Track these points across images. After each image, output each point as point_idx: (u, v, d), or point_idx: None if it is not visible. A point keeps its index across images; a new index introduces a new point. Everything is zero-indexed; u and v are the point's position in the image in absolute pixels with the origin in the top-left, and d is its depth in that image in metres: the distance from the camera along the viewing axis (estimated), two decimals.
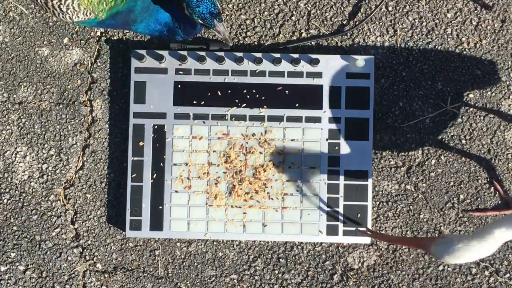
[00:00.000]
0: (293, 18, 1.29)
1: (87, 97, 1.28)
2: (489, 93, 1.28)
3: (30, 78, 1.28)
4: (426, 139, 1.27)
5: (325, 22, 1.29)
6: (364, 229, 1.23)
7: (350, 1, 1.28)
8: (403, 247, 1.27)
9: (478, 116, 1.28)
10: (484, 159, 1.27)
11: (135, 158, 1.24)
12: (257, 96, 1.25)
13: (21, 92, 1.28)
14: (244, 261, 1.27)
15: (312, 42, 1.28)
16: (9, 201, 1.28)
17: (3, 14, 1.29)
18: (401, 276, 1.27)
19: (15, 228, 1.28)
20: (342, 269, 1.27)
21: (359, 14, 1.28)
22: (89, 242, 1.28)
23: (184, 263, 1.27)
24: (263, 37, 1.28)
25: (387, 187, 1.27)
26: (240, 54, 1.24)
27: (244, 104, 1.24)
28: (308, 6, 1.28)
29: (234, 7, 1.29)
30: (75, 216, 1.28)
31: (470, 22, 1.28)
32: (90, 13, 1.04)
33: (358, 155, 1.24)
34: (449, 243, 0.99)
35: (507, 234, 0.97)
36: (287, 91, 1.25)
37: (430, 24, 1.28)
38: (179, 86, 1.25)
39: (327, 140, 1.24)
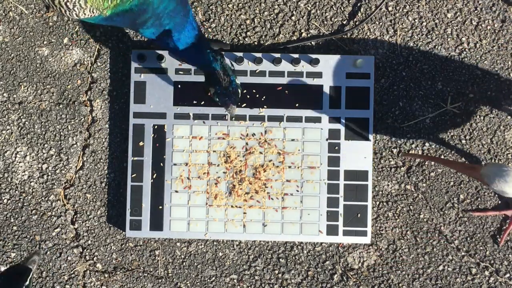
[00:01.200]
0: (293, 18, 1.29)
1: (87, 97, 1.28)
2: (489, 93, 1.28)
3: (30, 78, 1.28)
4: (426, 139, 1.27)
5: (325, 22, 1.29)
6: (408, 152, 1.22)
7: (350, 1, 1.28)
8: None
9: (478, 116, 1.28)
10: (484, 159, 1.27)
11: (135, 158, 1.24)
12: (257, 96, 1.25)
13: (21, 92, 1.28)
14: (244, 261, 1.27)
15: (312, 42, 1.28)
16: (9, 201, 1.28)
17: (3, 14, 1.29)
18: (401, 276, 1.27)
19: (15, 228, 1.28)
20: (342, 269, 1.27)
21: (359, 14, 1.28)
22: (89, 242, 1.28)
23: (184, 263, 1.27)
24: (263, 37, 1.29)
25: (387, 187, 1.27)
26: (240, 54, 1.24)
27: (244, 104, 1.24)
28: (308, 6, 1.28)
29: (234, 7, 1.29)
30: (75, 216, 1.28)
31: (470, 22, 1.28)
32: (95, 11, 1.03)
33: (358, 155, 1.24)
34: (502, 166, 0.95)
35: None
36: (287, 91, 1.25)
37: (430, 24, 1.28)
38: (179, 86, 1.25)
39: (327, 140, 1.24)
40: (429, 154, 1.24)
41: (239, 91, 1.13)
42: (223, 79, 1.10)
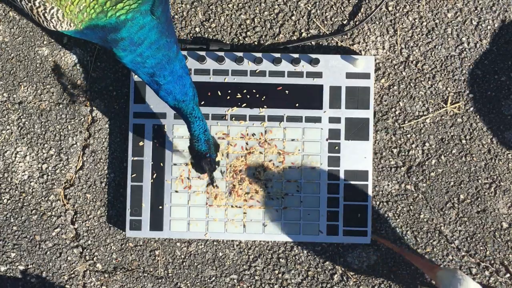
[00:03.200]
0: (293, 18, 1.29)
1: (87, 96, 1.28)
2: (489, 93, 1.28)
3: (30, 78, 1.28)
4: (426, 139, 1.27)
5: (325, 22, 1.29)
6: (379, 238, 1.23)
7: (350, 1, 1.28)
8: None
9: (478, 116, 1.28)
10: (484, 159, 1.27)
11: (135, 158, 1.24)
12: (257, 96, 1.25)
13: (21, 92, 1.28)
14: (244, 261, 1.27)
15: (312, 42, 1.28)
16: (9, 201, 1.28)
17: (3, 14, 1.29)
18: (401, 276, 1.27)
19: (15, 228, 1.28)
20: (342, 269, 1.27)
21: (359, 14, 1.28)
22: (89, 242, 1.28)
23: (184, 263, 1.27)
24: (263, 37, 1.28)
25: (387, 187, 1.27)
26: (240, 54, 1.24)
27: (244, 104, 1.24)
28: (308, 6, 1.28)
29: (234, 7, 1.29)
30: (75, 216, 1.28)
31: (470, 22, 1.28)
32: (72, 24, 1.03)
33: (358, 155, 1.24)
34: (456, 273, 0.99)
35: None
36: (287, 91, 1.25)
37: (430, 24, 1.28)
38: None
39: (327, 140, 1.24)
40: (399, 245, 1.25)
41: (215, 167, 1.14)
42: (200, 156, 1.11)
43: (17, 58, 1.29)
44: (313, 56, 1.24)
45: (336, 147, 1.24)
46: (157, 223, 1.24)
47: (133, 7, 1.02)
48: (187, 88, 1.08)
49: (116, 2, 1.01)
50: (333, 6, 1.29)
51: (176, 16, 1.29)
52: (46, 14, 1.02)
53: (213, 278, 1.27)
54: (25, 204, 1.28)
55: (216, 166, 1.14)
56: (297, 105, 1.25)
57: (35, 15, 1.02)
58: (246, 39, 1.28)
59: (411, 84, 1.28)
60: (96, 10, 1.01)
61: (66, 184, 1.28)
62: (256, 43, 1.28)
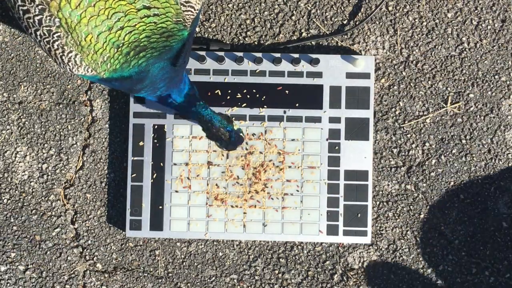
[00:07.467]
0: (293, 17, 1.29)
1: (87, 96, 1.28)
2: (489, 93, 1.28)
3: (30, 78, 1.28)
4: (426, 139, 1.27)
5: (325, 22, 1.29)
6: None
7: (350, 1, 1.28)
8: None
9: (478, 116, 1.28)
10: (484, 159, 1.27)
11: (135, 158, 1.24)
12: (257, 96, 1.25)
13: (21, 92, 1.28)
14: (244, 261, 1.27)
15: (312, 42, 1.28)
16: (9, 201, 1.28)
17: (3, 13, 1.29)
18: (401, 276, 1.27)
19: (15, 228, 1.28)
20: (342, 269, 1.27)
21: (359, 14, 1.28)
22: (89, 242, 1.28)
23: (184, 263, 1.27)
24: (263, 37, 1.28)
25: (387, 187, 1.27)
26: (240, 54, 1.24)
27: (244, 104, 1.24)
28: (308, 5, 1.28)
29: (234, 7, 1.29)
30: (75, 216, 1.28)
31: (471, 22, 1.28)
32: (91, 70, 1.04)
33: (358, 155, 1.24)
34: None
35: None
36: (287, 91, 1.25)
37: (430, 24, 1.28)
38: None
39: (327, 140, 1.24)
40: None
41: (242, 136, 1.15)
42: (222, 134, 1.13)
43: (17, 58, 1.29)
44: (313, 56, 1.24)
45: (336, 147, 1.24)
46: (157, 223, 1.24)
47: (155, 55, 1.04)
48: (187, 85, 1.13)
49: (139, 51, 1.03)
50: (333, 6, 1.28)
51: None
52: (63, 57, 1.02)
53: (213, 278, 1.27)
54: (25, 204, 1.28)
55: (242, 134, 1.16)
56: (297, 105, 1.25)
57: (53, 56, 1.03)
58: (246, 39, 1.28)
59: (411, 84, 1.28)
60: (120, 61, 1.03)
61: (66, 184, 1.28)
62: (256, 43, 1.28)
